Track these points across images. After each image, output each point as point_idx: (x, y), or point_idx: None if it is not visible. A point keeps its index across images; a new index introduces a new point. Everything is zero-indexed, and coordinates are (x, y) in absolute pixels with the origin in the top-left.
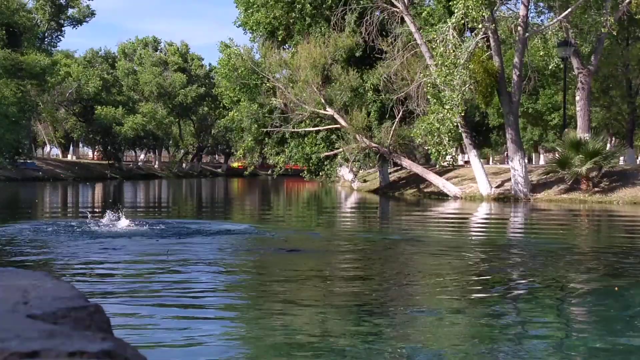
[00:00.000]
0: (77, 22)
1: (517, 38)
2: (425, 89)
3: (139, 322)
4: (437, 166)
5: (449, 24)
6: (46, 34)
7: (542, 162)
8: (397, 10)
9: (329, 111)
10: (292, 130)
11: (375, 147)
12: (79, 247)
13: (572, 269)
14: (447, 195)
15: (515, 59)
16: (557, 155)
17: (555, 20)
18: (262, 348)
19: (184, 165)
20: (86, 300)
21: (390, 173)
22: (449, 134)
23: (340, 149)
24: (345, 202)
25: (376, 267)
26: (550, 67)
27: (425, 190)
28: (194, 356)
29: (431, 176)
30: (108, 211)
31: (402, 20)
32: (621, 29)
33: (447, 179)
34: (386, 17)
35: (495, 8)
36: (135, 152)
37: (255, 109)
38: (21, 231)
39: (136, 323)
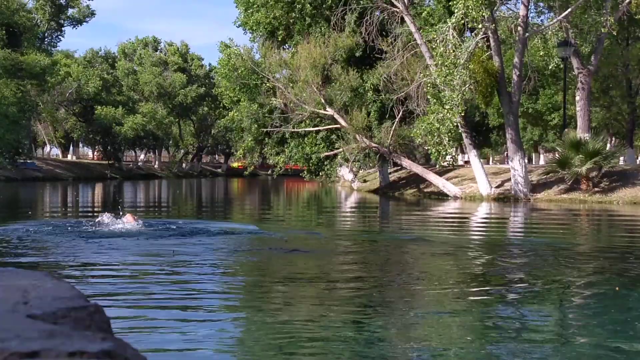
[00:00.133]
0: (77, 22)
1: (517, 38)
2: (425, 89)
3: (139, 322)
4: (437, 166)
5: (449, 24)
6: (46, 34)
7: (542, 162)
8: (397, 10)
9: (329, 111)
10: (292, 130)
11: (375, 147)
12: (79, 247)
13: (572, 269)
14: (447, 195)
15: (515, 59)
16: (557, 155)
17: (555, 20)
18: (262, 349)
19: (184, 165)
20: (86, 300)
21: (390, 173)
22: (449, 134)
23: (340, 149)
24: (345, 202)
25: (376, 267)
26: (550, 67)
27: (425, 190)
28: (194, 356)
29: (431, 176)
30: (105, 213)
31: (402, 20)
32: (621, 29)
33: (447, 179)
34: (386, 17)
35: (495, 8)
36: (135, 152)
37: (255, 109)
38: (21, 231)
39: (136, 323)
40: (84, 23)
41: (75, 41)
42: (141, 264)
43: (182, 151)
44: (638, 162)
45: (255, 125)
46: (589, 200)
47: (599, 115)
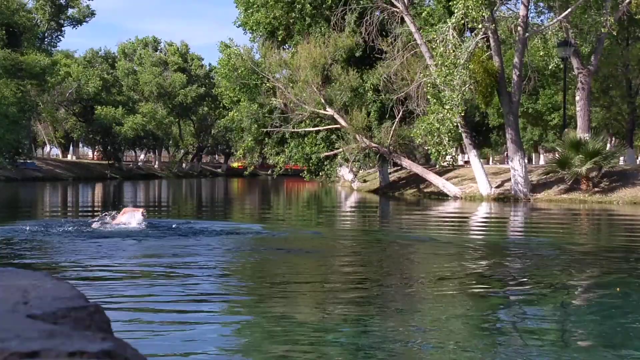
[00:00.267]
0: (77, 22)
1: (517, 38)
2: (425, 89)
3: (139, 322)
4: (437, 166)
5: (449, 24)
6: (46, 34)
7: (542, 162)
8: (397, 10)
9: (329, 111)
10: (292, 130)
11: (375, 147)
12: (79, 247)
13: (572, 269)
14: (447, 195)
15: (515, 59)
16: (557, 155)
17: (555, 20)
18: (263, 349)
19: (184, 165)
20: (86, 300)
21: (390, 173)
22: (449, 134)
23: (340, 149)
24: (345, 202)
25: (377, 268)
26: (550, 67)
27: (425, 190)
28: (194, 356)
29: (431, 176)
30: (102, 214)
31: (402, 20)
32: (621, 29)
33: (447, 179)
34: (386, 17)
35: (495, 8)
36: (135, 152)
37: (255, 109)
38: (21, 231)
39: (136, 323)
40: (84, 23)
41: (75, 41)
42: (142, 264)
43: (182, 151)
44: (638, 162)
45: (255, 125)
46: (589, 200)
47: (599, 115)
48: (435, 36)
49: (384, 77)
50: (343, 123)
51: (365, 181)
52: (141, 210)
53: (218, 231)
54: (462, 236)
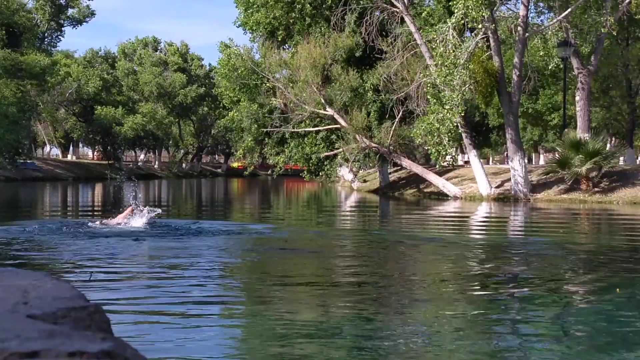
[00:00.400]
0: (77, 22)
1: (517, 38)
2: (425, 89)
3: (139, 322)
4: (437, 166)
5: (449, 24)
6: (46, 34)
7: (542, 162)
8: (397, 10)
9: (329, 111)
10: (292, 130)
11: (375, 147)
12: (79, 247)
13: (572, 269)
14: (447, 196)
15: (515, 59)
16: (557, 155)
17: (555, 20)
18: (263, 349)
19: (183, 165)
20: (86, 300)
21: (390, 173)
22: (449, 134)
23: (340, 149)
24: (345, 202)
25: (376, 267)
26: (550, 67)
27: (425, 190)
28: (194, 356)
29: (431, 176)
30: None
31: (402, 20)
32: (621, 29)
33: (447, 179)
34: (386, 17)
35: (495, 8)
36: (135, 152)
37: (255, 109)
38: (21, 231)
39: (136, 323)
40: (84, 23)
41: (75, 41)
42: (142, 264)
43: (182, 151)
44: (638, 162)
45: (255, 125)
46: (588, 201)
47: (599, 115)
48: (435, 36)
49: (384, 77)
50: (343, 123)
51: (365, 181)
52: (145, 208)
53: (219, 231)
54: (462, 236)
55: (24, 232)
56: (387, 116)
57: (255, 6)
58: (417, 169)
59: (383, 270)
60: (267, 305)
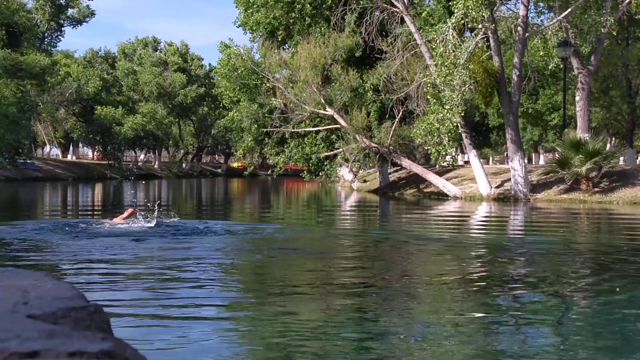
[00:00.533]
0: (77, 22)
1: (517, 38)
2: (425, 89)
3: (139, 323)
4: (437, 166)
5: (449, 24)
6: (46, 34)
7: (542, 162)
8: (397, 10)
9: (329, 111)
10: (292, 130)
11: (375, 147)
12: (79, 247)
13: (572, 269)
14: (447, 196)
15: (515, 59)
16: (557, 155)
17: (555, 20)
18: (263, 349)
19: (183, 165)
20: (86, 300)
21: (390, 173)
22: (449, 134)
23: (340, 149)
24: (345, 203)
25: (376, 268)
26: (550, 67)
27: (425, 190)
28: (194, 356)
29: (431, 176)
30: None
31: (402, 20)
32: (621, 29)
33: (447, 179)
34: (386, 17)
35: (495, 8)
36: (135, 152)
37: (255, 109)
38: (21, 231)
39: (136, 323)
40: (84, 23)
41: (75, 41)
42: (143, 264)
43: (182, 151)
44: (638, 162)
45: (255, 125)
46: (588, 201)
47: (599, 115)
48: (435, 36)
49: (384, 77)
50: (343, 123)
51: (365, 181)
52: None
53: (222, 231)
54: (462, 236)
55: (24, 232)
56: (387, 116)
57: (255, 6)
58: (417, 169)
59: (383, 271)
60: (267, 306)
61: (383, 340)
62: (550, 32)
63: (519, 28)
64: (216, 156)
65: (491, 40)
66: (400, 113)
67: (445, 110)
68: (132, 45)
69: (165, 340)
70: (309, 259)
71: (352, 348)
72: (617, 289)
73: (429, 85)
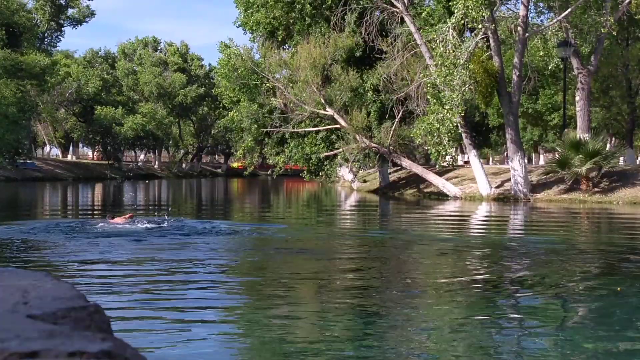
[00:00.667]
0: (77, 22)
1: (517, 38)
2: (425, 89)
3: (139, 323)
4: (437, 166)
5: (449, 24)
6: (46, 34)
7: (542, 162)
8: (397, 10)
9: (329, 111)
10: (292, 130)
11: (375, 147)
12: (79, 247)
13: (573, 269)
14: (447, 196)
15: (515, 59)
16: (557, 155)
17: (555, 20)
18: (261, 350)
19: (183, 165)
20: (86, 300)
21: (390, 173)
22: (449, 134)
23: (340, 149)
24: (345, 203)
25: (376, 268)
26: (550, 67)
27: (425, 190)
28: (194, 357)
29: (431, 176)
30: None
31: (402, 21)
32: (621, 29)
33: (447, 179)
34: (386, 17)
35: (495, 8)
36: (135, 152)
37: (255, 109)
38: (21, 231)
39: (136, 323)
40: (84, 23)
41: (75, 41)
42: (143, 264)
43: (182, 151)
44: (638, 162)
45: (255, 125)
46: (588, 201)
47: (599, 115)
48: (435, 36)
49: (384, 77)
50: (343, 123)
51: (365, 181)
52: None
53: (221, 231)
54: (462, 236)
55: (24, 232)
56: (387, 116)
57: (255, 6)
58: (417, 169)
59: (384, 271)
60: (268, 306)
61: (383, 340)
62: (550, 32)
63: (519, 28)
64: (216, 156)
65: (491, 40)
66: (400, 113)
67: (445, 110)
68: (132, 45)
69: (165, 341)
70: (314, 260)
71: (353, 349)
72: (618, 289)
73: (429, 85)
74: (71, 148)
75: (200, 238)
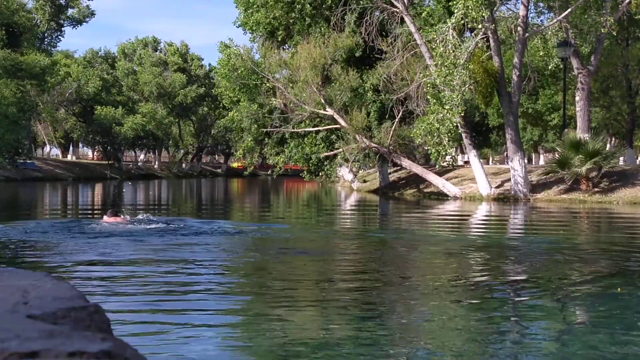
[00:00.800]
0: (77, 22)
1: (517, 38)
2: (425, 89)
3: (139, 323)
4: (437, 166)
5: (449, 24)
6: (46, 34)
7: (542, 162)
8: (397, 10)
9: (329, 111)
10: (292, 130)
11: (375, 147)
12: (79, 247)
13: (573, 269)
14: (447, 196)
15: (515, 59)
16: (557, 155)
17: (555, 20)
18: (262, 350)
19: (183, 165)
20: (86, 300)
21: (390, 173)
22: (449, 134)
23: (340, 149)
24: (345, 203)
25: (376, 268)
26: (550, 67)
27: (425, 190)
28: (194, 357)
29: (431, 176)
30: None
31: (402, 21)
32: (621, 29)
33: (447, 179)
34: (386, 17)
35: (495, 8)
36: (135, 152)
37: (255, 109)
38: (21, 231)
39: (136, 323)
40: (84, 23)
41: (75, 41)
42: (143, 264)
43: (182, 151)
44: (638, 162)
45: (255, 126)
46: (588, 201)
47: (599, 115)
48: (435, 36)
49: (384, 77)
50: (343, 123)
51: (365, 181)
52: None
53: (222, 231)
54: (462, 236)
55: (24, 232)
56: (387, 116)
57: (255, 6)
58: (417, 169)
59: (384, 271)
60: (268, 306)
61: (384, 340)
62: (550, 32)
63: (519, 28)
64: (216, 156)
65: (491, 41)
66: (400, 113)
67: (445, 110)
68: (132, 45)
69: (165, 341)
70: (314, 260)
71: (353, 349)
72: (619, 289)
73: (429, 85)
74: (71, 148)
75: (201, 238)
